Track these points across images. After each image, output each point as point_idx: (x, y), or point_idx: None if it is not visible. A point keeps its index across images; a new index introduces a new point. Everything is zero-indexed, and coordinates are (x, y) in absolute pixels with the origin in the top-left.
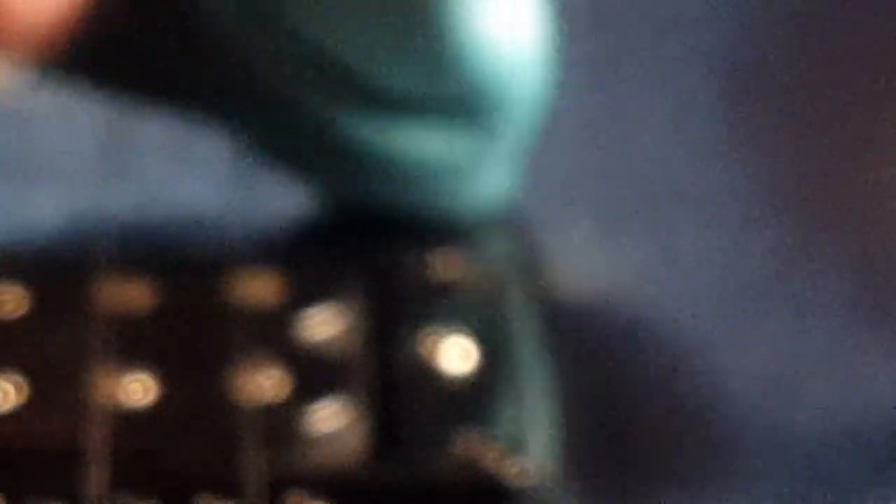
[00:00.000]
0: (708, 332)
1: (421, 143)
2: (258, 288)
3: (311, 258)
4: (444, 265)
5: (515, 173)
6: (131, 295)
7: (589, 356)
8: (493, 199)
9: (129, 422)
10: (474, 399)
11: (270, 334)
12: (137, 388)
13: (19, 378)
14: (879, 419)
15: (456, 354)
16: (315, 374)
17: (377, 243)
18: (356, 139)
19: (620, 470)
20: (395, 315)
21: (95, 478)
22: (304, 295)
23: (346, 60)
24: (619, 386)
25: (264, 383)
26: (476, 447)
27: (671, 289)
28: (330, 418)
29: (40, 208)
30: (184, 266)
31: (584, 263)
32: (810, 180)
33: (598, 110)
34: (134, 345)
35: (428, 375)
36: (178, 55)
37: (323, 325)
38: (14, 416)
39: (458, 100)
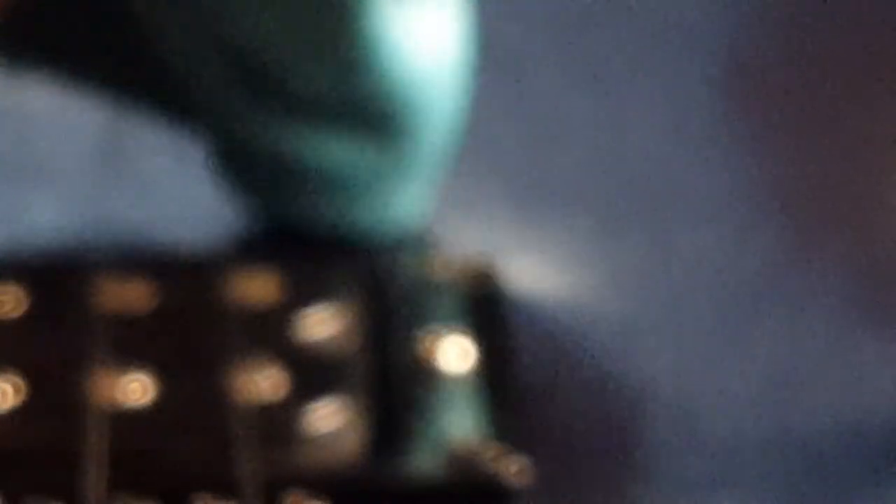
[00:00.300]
0: (706, 332)
1: (334, 154)
2: (256, 288)
3: (310, 258)
4: (443, 265)
5: (429, 191)
6: (130, 295)
7: (587, 356)
8: (406, 215)
9: (128, 422)
10: (473, 399)
11: (268, 334)
12: (136, 388)
13: (18, 378)
14: (878, 419)
15: (454, 354)
16: (313, 373)
17: (302, 254)
18: (274, 148)
19: (618, 470)
20: (394, 315)
21: (94, 478)
22: (302, 295)
23: (260, 60)
24: (616, 385)
25: (262, 383)
26: (475, 447)
27: (670, 289)
28: (328, 418)
29: (39, 208)
30: (182, 266)
31: (584, 263)
32: (809, 181)
33: (598, 111)
34: (132, 345)
35: (426, 375)
36: (102, 47)
37: (321, 324)
38: (13, 416)
39: (371, 107)
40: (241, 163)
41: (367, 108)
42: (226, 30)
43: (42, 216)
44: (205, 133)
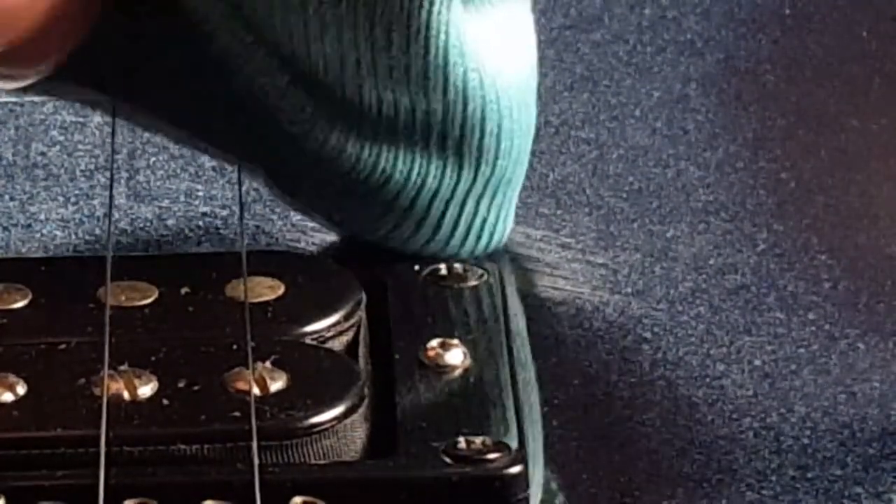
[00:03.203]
0: (703, 332)
1: (408, 172)
2: (258, 288)
3: (311, 260)
4: (444, 269)
5: (507, 207)
6: (132, 295)
7: (586, 356)
8: (482, 233)
9: (130, 422)
10: (473, 400)
11: (271, 334)
12: (138, 387)
13: (19, 378)
14: (870, 417)
15: (455, 356)
16: (315, 374)
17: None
18: (344, 163)
19: (615, 470)
20: (395, 317)
21: (95, 478)
22: (304, 296)
23: (332, 79)
24: (614, 385)
25: (264, 384)
26: (475, 447)
27: (669, 288)
28: (331, 418)
29: (42, 209)
30: (184, 266)
31: (584, 263)
32: (804, 183)
33: (599, 112)
34: (134, 344)
35: (427, 376)
36: (176, 76)
37: (323, 326)
38: (14, 416)
39: (446, 127)
40: (311, 181)
41: (442, 127)
42: (297, 50)
43: (46, 216)
44: (274, 152)
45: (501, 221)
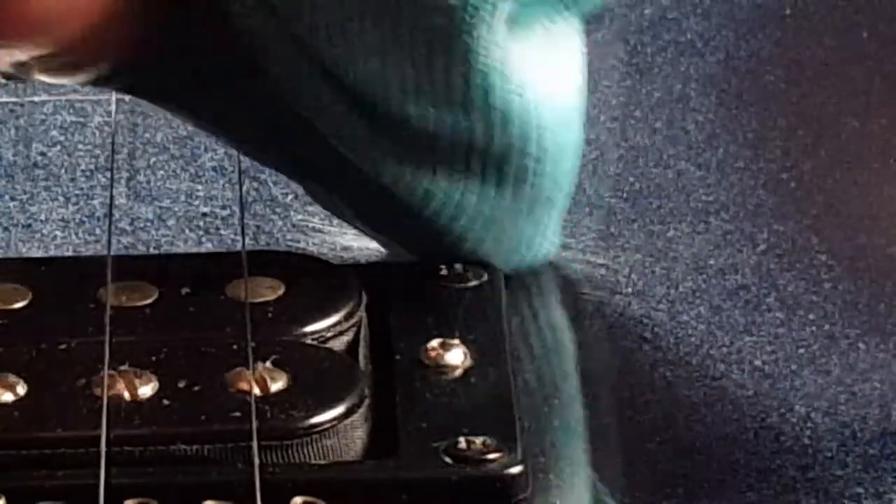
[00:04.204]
0: (703, 332)
1: (452, 192)
2: (258, 288)
3: (311, 260)
4: (444, 269)
5: (550, 226)
6: (132, 295)
7: (586, 356)
8: (525, 250)
9: (130, 422)
10: (473, 400)
11: (271, 335)
12: (138, 387)
13: (19, 378)
14: (871, 417)
15: (455, 356)
16: (315, 374)
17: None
18: (384, 180)
19: (615, 470)
20: (395, 317)
21: (95, 478)
22: (305, 296)
23: (380, 100)
24: (614, 385)
25: (265, 384)
26: (475, 447)
27: (669, 288)
28: (331, 418)
29: (42, 209)
30: (184, 266)
31: (585, 263)
32: (804, 183)
33: (599, 112)
34: (134, 344)
35: (427, 376)
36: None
37: (323, 326)
38: (14, 416)
39: (490, 148)
40: (354, 198)
41: (484, 148)
42: (343, 68)
43: (46, 216)
44: (326, 170)
45: (545, 240)
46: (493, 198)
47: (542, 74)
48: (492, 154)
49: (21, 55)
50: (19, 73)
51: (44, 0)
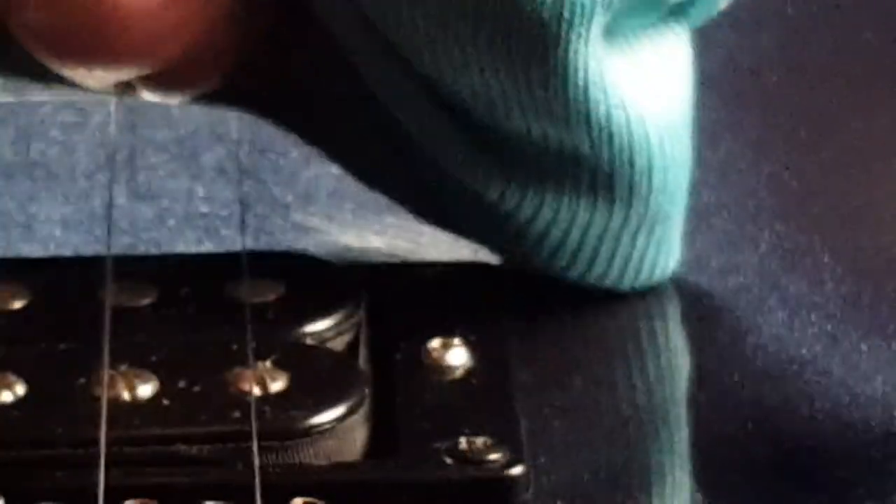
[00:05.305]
0: (703, 332)
1: (555, 205)
2: (258, 288)
3: (311, 260)
4: (443, 270)
5: (667, 241)
6: (132, 295)
7: (586, 356)
8: (641, 266)
9: (130, 422)
10: (474, 400)
11: (271, 334)
12: (138, 388)
13: (19, 378)
14: (873, 418)
15: (456, 356)
16: (315, 374)
17: None
18: (491, 195)
19: (615, 470)
20: (395, 317)
21: (95, 478)
22: (305, 296)
23: (478, 109)
24: (614, 385)
25: (264, 384)
26: (475, 447)
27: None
28: (331, 419)
29: (42, 209)
30: (184, 266)
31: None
32: (806, 183)
33: None
34: (134, 344)
35: (427, 377)
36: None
37: (323, 326)
38: (13, 415)
39: (589, 160)
40: (461, 214)
41: (591, 163)
42: (444, 81)
43: (46, 216)
44: (428, 185)
45: (663, 255)
46: (603, 214)
47: (649, 88)
48: (599, 170)
49: (124, 76)
50: (124, 93)
51: (145, 21)
